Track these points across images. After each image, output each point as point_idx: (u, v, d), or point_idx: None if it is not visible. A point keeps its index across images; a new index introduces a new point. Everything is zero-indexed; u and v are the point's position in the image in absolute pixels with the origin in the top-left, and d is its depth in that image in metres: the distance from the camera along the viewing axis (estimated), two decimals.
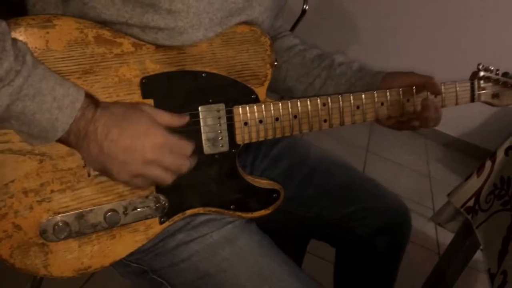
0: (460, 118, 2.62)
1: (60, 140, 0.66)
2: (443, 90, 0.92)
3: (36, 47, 0.65)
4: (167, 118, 0.72)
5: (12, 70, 0.58)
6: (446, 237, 1.61)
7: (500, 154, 1.26)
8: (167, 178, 0.71)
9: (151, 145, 0.68)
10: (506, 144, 1.26)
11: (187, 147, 0.73)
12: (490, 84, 0.96)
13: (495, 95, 0.97)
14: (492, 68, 0.96)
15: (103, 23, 0.69)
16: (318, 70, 0.98)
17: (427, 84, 0.90)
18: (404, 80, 0.91)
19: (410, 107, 0.91)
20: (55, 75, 0.64)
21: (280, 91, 1.02)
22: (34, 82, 0.61)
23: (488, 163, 1.28)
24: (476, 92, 0.95)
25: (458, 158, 3.12)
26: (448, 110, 0.93)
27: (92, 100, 0.66)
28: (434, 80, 0.90)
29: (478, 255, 1.38)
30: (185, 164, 0.72)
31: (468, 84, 0.95)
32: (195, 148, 0.75)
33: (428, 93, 0.91)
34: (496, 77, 0.96)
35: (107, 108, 0.67)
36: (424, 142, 3.16)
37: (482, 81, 0.96)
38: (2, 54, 0.58)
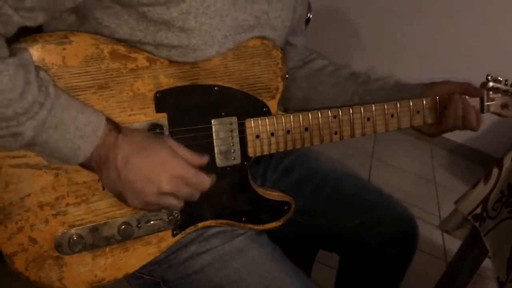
0: None
1: (82, 165, 0.67)
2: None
3: (53, 63, 0.66)
4: (186, 154, 0.72)
5: (36, 102, 0.60)
6: (453, 243, 1.60)
7: (507, 162, 1.26)
8: (180, 206, 0.73)
9: (168, 177, 0.68)
10: None
11: (205, 182, 0.72)
12: (499, 94, 0.96)
13: (504, 106, 0.97)
14: (501, 79, 0.96)
15: (118, 41, 0.70)
16: (354, 87, 0.99)
17: (465, 89, 0.92)
18: (443, 88, 0.93)
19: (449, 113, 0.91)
20: (76, 103, 0.65)
21: None
22: (57, 113, 0.62)
23: (495, 171, 1.28)
24: (486, 103, 0.96)
25: (463, 164, 3.11)
26: None
27: (113, 126, 0.67)
28: (472, 84, 0.92)
29: (487, 262, 1.37)
30: (198, 195, 0.73)
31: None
32: (208, 161, 0.76)
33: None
34: (505, 87, 0.96)
35: (129, 135, 0.68)
36: (429, 148, 3.16)
37: (491, 92, 0.96)
38: (26, 87, 0.59)
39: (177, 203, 0.72)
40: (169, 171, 0.68)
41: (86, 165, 0.68)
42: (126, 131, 0.69)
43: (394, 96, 0.95)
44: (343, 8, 3.11)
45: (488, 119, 0.98)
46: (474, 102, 0.95)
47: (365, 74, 1.01)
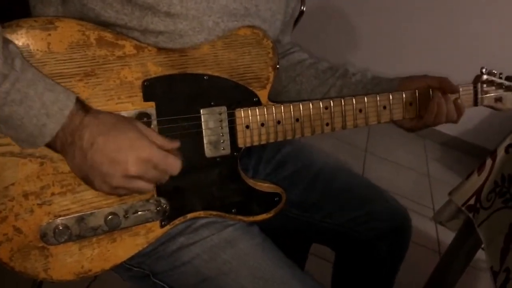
0: None
1: (48, 145, 0.65)
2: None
3: (37, 49, 0.64)
4: (158, 139, 0.69)
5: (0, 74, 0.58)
6: (446, 236, 1.61)
7: (501, 152, 1.26)
8: (149, 189, 0.70)
9: (135, 158, 0.65)
10: (506, 142, 1.26)
11: (174, 166, 0.69)
12: (493, 87, 0.96)
13: (498, 99, 0.97)
14: (495, 72, 0.95)
15: (104, 25, 0.69)
16: (332, 80, 0.99)
17: (443, 84, 0.91)
18: (419, 83, 0.92)
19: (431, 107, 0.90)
20: (45, 80, 0.63)
21: None
22: (22, 87, 0.60)
23: (489, 161, 1.28)
24: (479, 96, 0.95)
25: (457, 157, 3.12)
26: None
27: (82, 106, 0.65)
28: (449, 80, 0.91)
29: (480, 254, 1.38)
30: (167, 178, 0.70)
31: (471, 87, 0.95)
32: (196, 151, 0.74)
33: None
34: (500, 80, 0.95)
35: (97, 116, 0.66)
36: (422, 142, 3.17)
37: (485, 85, 0.95)
38: None
39: (146, 186, 0.69)
40: (136, 153, 0.65)
41: (51, 145, 0.65)
42: (93, 111, 0.67)
43: (372, 90, 0.95)
44: (339, 6, 3.10)
45: (481, 112, 0.97)
46: (468, 94, 0.94)
47: (343, 68, 1.01)
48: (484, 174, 1.29)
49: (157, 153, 0.67)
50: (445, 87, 0.91)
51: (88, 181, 0.67)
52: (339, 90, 0.98)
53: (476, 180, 1.30)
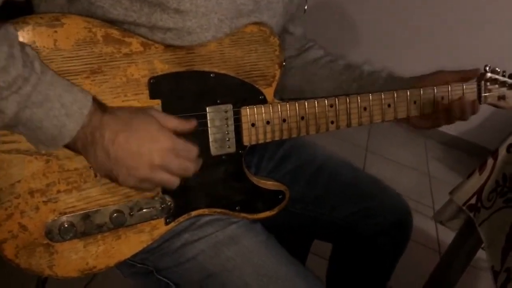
0: None
1: (67, 146, 0.65)
2: (450, 92, 0.91)
3: (44, 46, 0.64)
4: (175, 122, 0.72)
5: (20, 77, 0.58)
6: (446, 235, 1.61)
7: (502, 152, 1.26)
8: (174, 182, 0.71)
9: (158, 150, 0.67)
10: (508, 142, 1.26)
11: (193, 150, 0.72)
12: (496, 86, 0.95)
13: (501, 97, 0.96)
14: (499, 70, 0.95)
15: (111, 23, 0.68)
16: (348, 82, 0.98)
17: (462, 76, 0.92)
18: (436, 79, 0.92)
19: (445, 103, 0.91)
20: (63, 81, 0.63)
21: None
22: (42, 89, 0.60)
23: (490, 161, 1.28)
24: (483, 94, 0.95)
25: (457, 156, 3.12)
26: None
27: (99, 106, 0.66)
28: (464, 70, 0.92)
29: (480, 253, 1.38)
30: (191, 167, 0.72)
31: (475, 86, 0.94)
32: (202, 149, 0.74)
33: (435, 93, 0.91)
34: (503, 79, 0.95)
35: (114, 113, 0.66)
36: (423, 141, 3.17)
37: (488, 83, 0.95)
38: (10, 61, 0.57)
39: (171, 178, 0.70)
40: (158, 144, 0.67)
41: (71, 147, 0.66)
42: (110, 109, 0.67)
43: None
44: (340, 3, 3.09)
45: (482, 111, 0.97)
46: (471, 92, 0.94)
47: (359, 68, 1.00)
48: (486, 173, 1.29)
49: (177, 141, 0.70)
50: (464, 77, 0.92)
51: (113, 177, 0.68)
52: (355, 93, 0.97)
53: (477, 180, 1.30)
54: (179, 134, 0.71)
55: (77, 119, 0.63)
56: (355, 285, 1.14)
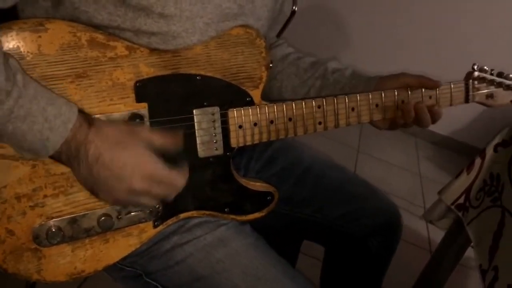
0: (449, 116, 2.61)
1: (53, 157, 0.66)
2: (437, 91, 0.91)
3: (28, 52, 0.64)
4: (162, 140, 0.71)
5: (2, 91, 0.57)
6: (437, 234, 1.62)
7: (489, 151, 1.27)
8: (153, 204, 0.72)
9: (140, 175, 0.66)
10: (495, 141, 1.27)
11: (179, 181, 0.71)
12: (484, 84, 0.95)
13: (489, 96, 0.96)
14: (487, 68, 0.94)
15: (96, 27, 0.68)
16: (312, 80, 0.98)
17: (422, 81, 0.90)
18: (397, 82, 0.91)
19: (406, 107, 0.90)
20: (47, 93, 0.63)
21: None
22: (25, 103, 0.60)
23: (478, 160, 1.29)
24: (471, 93, 0.94)
25: (448, 156, 3.15)
26: None
27: (85, 119, 0.65)
28: (427, 77, 0.90)
29: (469, 252, 1.39)
30: (172, 194, 0.72)
31: (463, 84, 0.94)
32: (190, 151, 0.74)
33: (423, 93, 0.91)
34: (491, 77, 0.94)
35: (101, 129, 0.66)
36: (414, 141, 3.19)
37: (476, 82, 0.94)
38: None
39: (150, 202, 0.71)
40: (140, 170, 0.67)
41: (56, 158, 0.66)
42: (98, 124, 0.67)
43: (350, 90, 0.94)
44: (332, 5, 3.10)
45: (472, 111, 0.97)
46: (459, 91, 0.94)
47: (324, 66, 0.99)
48: (473, 173, 1.30)
49: (161, 169, 0.68)
50: (424, 84, 0.90)
51: (94, 193, 0.69)
52: (318, 91, 0.97)
53: (465, 179, 1.31)
54: (168, 149, 0.71)
55: (61, 132, 0.62)
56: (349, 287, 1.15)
